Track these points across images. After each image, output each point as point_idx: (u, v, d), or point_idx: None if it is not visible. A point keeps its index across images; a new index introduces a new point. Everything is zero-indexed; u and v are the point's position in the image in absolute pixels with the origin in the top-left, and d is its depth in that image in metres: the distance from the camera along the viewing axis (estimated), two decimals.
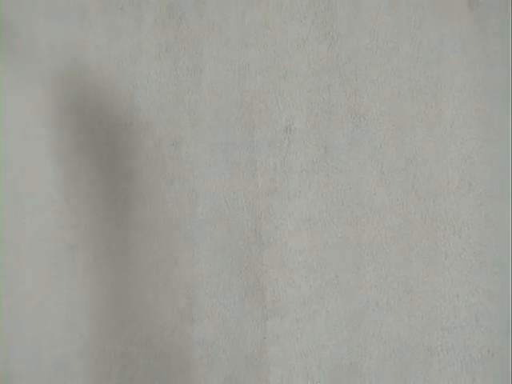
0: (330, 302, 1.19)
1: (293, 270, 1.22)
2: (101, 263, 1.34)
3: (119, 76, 1.33)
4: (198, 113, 1.28)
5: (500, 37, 1.12)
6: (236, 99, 1.26)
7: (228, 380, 1.26)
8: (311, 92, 1.21)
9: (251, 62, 1.25)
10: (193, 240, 1.28)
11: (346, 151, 1.19)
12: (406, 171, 1.15)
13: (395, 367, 1.15)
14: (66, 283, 1.36)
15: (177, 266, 1.29)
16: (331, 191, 1.19)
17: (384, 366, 1.15)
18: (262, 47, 1.24)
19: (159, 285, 1.30)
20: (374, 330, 1.16)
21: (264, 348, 1.23)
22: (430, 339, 1.13)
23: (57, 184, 1.37)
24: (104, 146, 1.34)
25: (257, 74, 1.24)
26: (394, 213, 1.15)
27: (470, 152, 1.12)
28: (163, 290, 1.30)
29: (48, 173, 1.38)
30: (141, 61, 1.32)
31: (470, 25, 1.14)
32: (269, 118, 1.24)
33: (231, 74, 1.25)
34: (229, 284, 1.25)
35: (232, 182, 1.25)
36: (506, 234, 1.10)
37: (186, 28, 1.29)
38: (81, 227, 1.35)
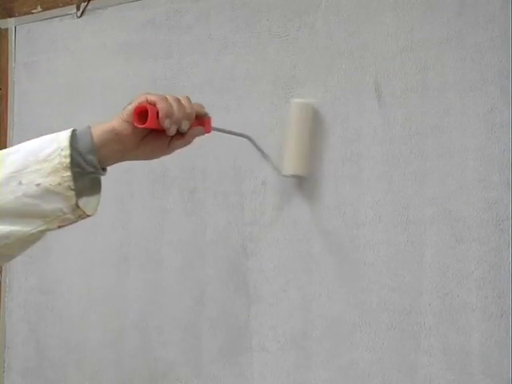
0: (290, 293, 1.24)
1: (266, 273, 1.28)
2: (144, 268, 1.35)
3: None
4: (207, 174, 1.30)
5: (404, 129, 1.13)
6: (231, 166, 1.31)
7: (225, 342, 1.31)
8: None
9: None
10: (203, 253, 1.33)
11: (300, 197, 1.19)
12: (339, 209, 1.20)
13: (332, 335, 1.17)
14: (123, 281, 1.38)
15: (193, 270, 1.33)
16: (291, 222, 1.22)
17: (325, 334, 1.19)
18: None
19: (181, 282, 1.32)
20: (318, 312, 1.20)
21: (248, 322, 1.28)
22: (355, 317, 1.17)
23: (118, 219, 1.38)
24: (148, 194, 1.35)
25: (245, 152, 1.26)
26: (330, 236, 1.20)
27: (379, 197, 1.13)
28: (184, 285, 1.34)
29: (113, 213, 1.39)
30: None
31: (379, 122, 1.15)
32: (252, 176, 1.26)
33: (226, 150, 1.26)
34: (226, 281, 1.31)
35: (228, 216, 1.31)
36: (407, 251, 1.10)
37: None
38: (131, 245, 1.35)
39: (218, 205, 1.31)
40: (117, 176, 1.41)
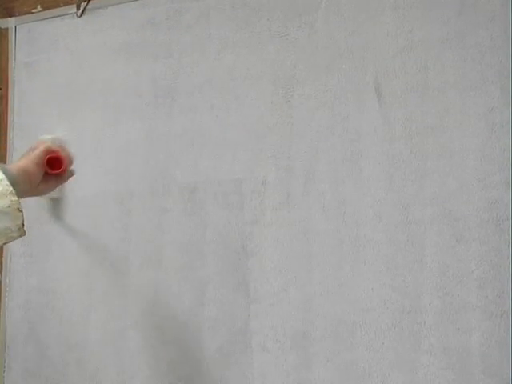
0: (290, 293, 1.24)
1: (267, 272, 1.28)
2: (144, 267, 1.36)
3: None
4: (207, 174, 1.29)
5: (404, 129, 1.13)
6: (230, 170, 1.31)
7: (225, 342, 1.31)
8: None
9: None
10: (203, 253, 1.33)
11: (300, 197, 1.19)
12: (339, 209, 1.19)
13: (333, 335, 1.17)
14: (123, 280, 1.38)
15: (193, 270, 1.32)
16: (291, 222, 1.24)
17: (325, 334, 1.19)
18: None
19: (181, 281, 1.33)
20: (319, 311, 1.20)
21: (248, 322, 1.28)
22: (355, 317, 1.17)
23: (118, 219, 1.38)
24: (148, 194, 1.35)
25: (245, 152, 1.24)
26: (331, 235, 1.20)
27: (380, 197, 1.13)
28: (184, 285, 1.34)
29: (113, 213, 1.39)
30: None
31: (379, 122, 1.15)
32: (251, 176, 1.27)
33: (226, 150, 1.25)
34: (226, 281, 1.31)
35: (228, 216, 1.32)
36: (407, 251, 1.10)
37: None
38: (131, 245, 1.35)
39: (218, 205, 1.31)
40: (117, 176, 1.42)
